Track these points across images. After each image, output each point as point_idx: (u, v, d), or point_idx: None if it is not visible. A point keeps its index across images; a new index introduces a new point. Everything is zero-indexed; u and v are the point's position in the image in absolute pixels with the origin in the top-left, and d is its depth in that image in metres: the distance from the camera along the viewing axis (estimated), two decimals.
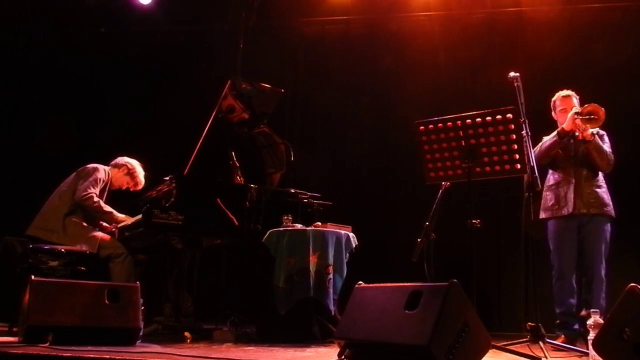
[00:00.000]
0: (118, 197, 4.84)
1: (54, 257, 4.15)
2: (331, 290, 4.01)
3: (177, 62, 6.72)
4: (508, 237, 5.51)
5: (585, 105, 3.89)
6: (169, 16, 6.71)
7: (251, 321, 4.31)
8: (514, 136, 3.37)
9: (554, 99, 4.24)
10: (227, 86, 4.51)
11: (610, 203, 4.04)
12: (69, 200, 4.40)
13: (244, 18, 6.55)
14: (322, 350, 3.39)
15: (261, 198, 4.34)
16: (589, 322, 2.76)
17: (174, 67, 6.67)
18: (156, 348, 3.26)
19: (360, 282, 2.98)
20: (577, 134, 3.95)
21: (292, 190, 4.58)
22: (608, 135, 4.12)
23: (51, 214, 4.39)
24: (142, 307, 3.49)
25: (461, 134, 3.48)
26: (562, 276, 4.00)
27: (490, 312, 5.57)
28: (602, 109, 3.79)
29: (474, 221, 3.44)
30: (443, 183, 3.69)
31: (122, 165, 4.76)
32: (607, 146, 4.05)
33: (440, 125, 3.53)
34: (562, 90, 4.22)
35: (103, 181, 4.55)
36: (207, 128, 4.39)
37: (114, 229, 4.54)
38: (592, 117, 3.81)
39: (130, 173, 4.76)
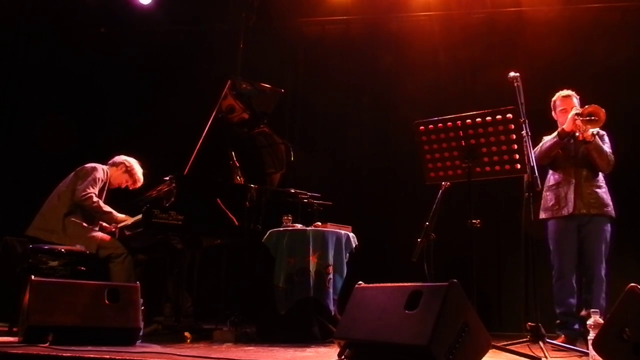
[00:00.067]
0: (118, 197, 4.84)
1: (54, 257, 4.15)
2: (331, 290, 4.01)
3: (177, 62, 6.72)
4: (508, 237, 5.50)
5: (586, 106, 3.88)
6: (169, 16, 6.71)
7: (251, 321, 4.31)
8: (514, 136, 3.37)
9: (554, 99, 4.24)
10: (227, 86, 4.51)
11: (611, 203, 4.04)
12: (68, 200, 4.40)
13: (244, 18, 6.55)
14: (322, 350, 3.39)
15: (261, 198, 4.34)
16: (589, 322, 2.76)
17: (174, 67, 6.67)
18: (156, 348, 3.26)
19: (360, 282, 2.98)
20: (577, 134, 3.94)
21: (292, 190, 4.58)
22: (608, 136, 4.12)
23: (51, 214, 4.39)
24: (142, 307, 3.49)
25: (461, 134, 3.48)
26: (562, 276, 4.00)
27: (490, 312, 5.57)
28: (603, 110, 3.78)
29: (474, 221, 3.44)
30: (443, 183, 3.69)
31: (120, 163, 4.76)
32: (607, 146, 4.05)
33: (440, 125, 3.53)
34: (562, 90, 4.22)
35: (102, 180, 4.55)
36: (207, 128, 4.39)
37: (114, 229, 4.54)
38: (592, 118, 3.81)
39: (129, 171, 4.76)
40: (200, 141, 4.35)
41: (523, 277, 5.00)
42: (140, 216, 4.00)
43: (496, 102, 3.65)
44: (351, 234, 4.25)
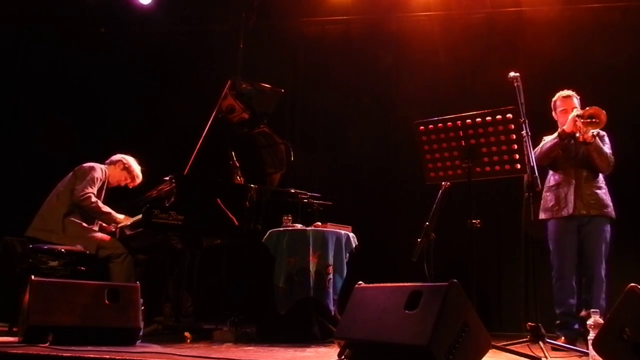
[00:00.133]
0: (118, 196, 4.84)
1: (54, 257, 4.14)
2: (331, 290, 4.01)
3: (177, 63, 6.72)
4: (508, 237, 5.51)
5: (587, 108, 3.86)
6: (169, 16, 6.71)
7: (251, 321, 4.30)
8: (514, 136, 3.37)
9: (554, 99, 4.23)
10: (227, 86, 4.51)
11: (611, 204, 4.04)
12: (67, 200, 4.40)
13: (244, 18, 6.54)
14: (322, 350, 3.39)
15: (261, 198, 4.34)
16: (589, 322, 2.76)
17: (174, 68, 6.66)
18: (156, 348, 3.26)
19: (360, 282, 2.98)
20: (577, 135, 3.94)
21: (292, 190, 4.58)
22: (608, 136, 4.12)
23: (50, 215, 4.38)
24: (142, 307, 3.49)
25: (461, 134, 3.48)
26: (562, 277, 4.00)
27: (490, 312, 5.57)
28: (604, 112, 3.76)
29: (474, 221, 3.44)
30: (443, 183, 3.69)
31: (117, 161, 4.77)
32: (607, 147, 4.05)
33: (440, 125, 3.53)
34: (562, 90, 4.22)
35: (100, 180, 4.55)
36: (207, 128, 4.39)
37: (113, 229, 4.54)
38: (593, 120, 3.80)
39: (127, 168, 4.76)
40: (201, 141, 4.35)
41: (523, 277, 5.00)
42: (140, 216, 4.00)
43: (496, 102, 3.65)
44: (351, 234, 4.25)
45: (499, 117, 3.38)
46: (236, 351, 3.22)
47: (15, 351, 2.73)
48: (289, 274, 3.98)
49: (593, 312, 2.83)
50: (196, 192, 4.14)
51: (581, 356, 3.28)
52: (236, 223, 4.15)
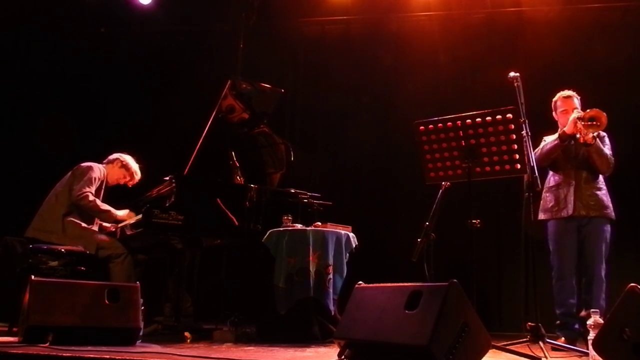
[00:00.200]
0: (118, 196, 4.83)
1: (54, 257, 4.15)
2: (331, 290, 4.01)
3: (177, 62, 6.72)
4: (508, 237, 5.51)
5: (588, 110, 3.85)
6: (169, 16, 6.71)
7: (251, 321, 4.30)
8: (514, 136, 3.37)
9: (555, 99, 4.23)
10: (227, 86, 4.51)
11: (610, 205, 4.03)
12: (66, 200, 4.40)
13: (244, 18, 6.54)
14: (322, 350, 3.39)
15: (261, 198, 4.34)
16: (589, 322, 2.76)
17: (174, 67, 6.67)
18: (156, 348, 3.26)
19: (360, 282, 2.98)
20: (578, 136, 3.94)
21: (292, 190, 4.58)
22: (608, 136, 4.11)
23: (49, 215, 4.38)
24: (142, 307, 3.49)
25: (461, 134, 3.48)
26: (562, 277, 4.00)
27: (490, 312, 5.57)
28: (605, 114, 3.75)
29: (474, 221, 3.44)
30: (443, 183, 3.69)
31: (115, 159, 4.77)
32: (607, 148, 4.05)
33: (440, 125, 3.53)
34: (562, 90, 4.21)
35: (98, 179, 4.55)
36: (207, 128, 4.39)
37: (113, 229, 4.54)
38: (594, 122, 3.79)
39: (124, 165, 4.76)
40: (200, 141, 4.35)
41: (523, 277, 5.00)
42: (140, 216, 4.00)
43: (496, 102, 3.65)
44: (351, 234, 4.25)
45: (499, 117, 3.38)
46: (236, 351, 3.22)
47: (15, 351, 2.73)
48: (289, 274, 3.98)
49: (593, 312, 2.83)
50: (196, 192, 4.14)
51: (581, 356, 3.28)
52: (236, 223, 4.15)
